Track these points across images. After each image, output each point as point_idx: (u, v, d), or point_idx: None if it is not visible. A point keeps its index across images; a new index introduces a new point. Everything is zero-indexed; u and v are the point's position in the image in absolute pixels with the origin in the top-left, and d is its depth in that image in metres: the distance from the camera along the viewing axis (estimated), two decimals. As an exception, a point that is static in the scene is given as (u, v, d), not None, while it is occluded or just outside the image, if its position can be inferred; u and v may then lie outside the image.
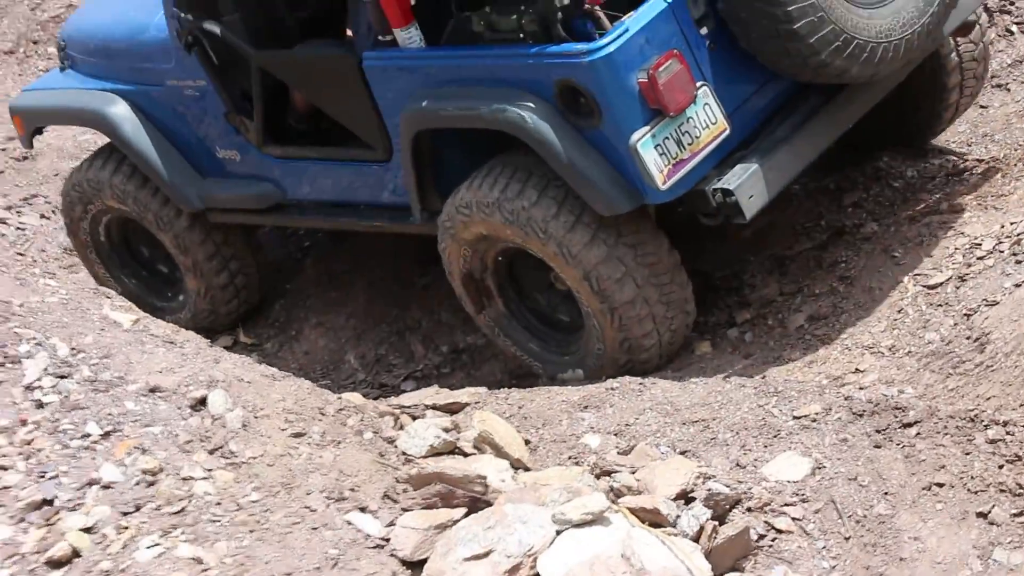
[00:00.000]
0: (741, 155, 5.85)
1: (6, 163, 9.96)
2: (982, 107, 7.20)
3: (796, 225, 6.81)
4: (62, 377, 5.47)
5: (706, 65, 5.75)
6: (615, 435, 5.45)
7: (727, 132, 5.77)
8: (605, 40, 5.54)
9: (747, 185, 5.72)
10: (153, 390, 5.40)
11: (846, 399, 5.43)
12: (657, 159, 5.60)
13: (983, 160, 6.84)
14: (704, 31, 5.76)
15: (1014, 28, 7.58)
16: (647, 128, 5.59)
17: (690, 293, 6.12)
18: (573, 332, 6.28)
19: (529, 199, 5.88)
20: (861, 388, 5.60)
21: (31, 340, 5.63)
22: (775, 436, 5.29)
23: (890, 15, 5.76)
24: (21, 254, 8.12)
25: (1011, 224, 6.13)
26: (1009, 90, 7.22)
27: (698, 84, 5.67)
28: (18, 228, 8.92)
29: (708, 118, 5.70)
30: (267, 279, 7.92)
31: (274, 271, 8.01)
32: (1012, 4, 7.62)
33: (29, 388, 5.45)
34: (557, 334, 6.39)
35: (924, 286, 6.06)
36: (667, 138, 5.62)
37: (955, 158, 6.94)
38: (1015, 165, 6.70)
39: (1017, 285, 5.72)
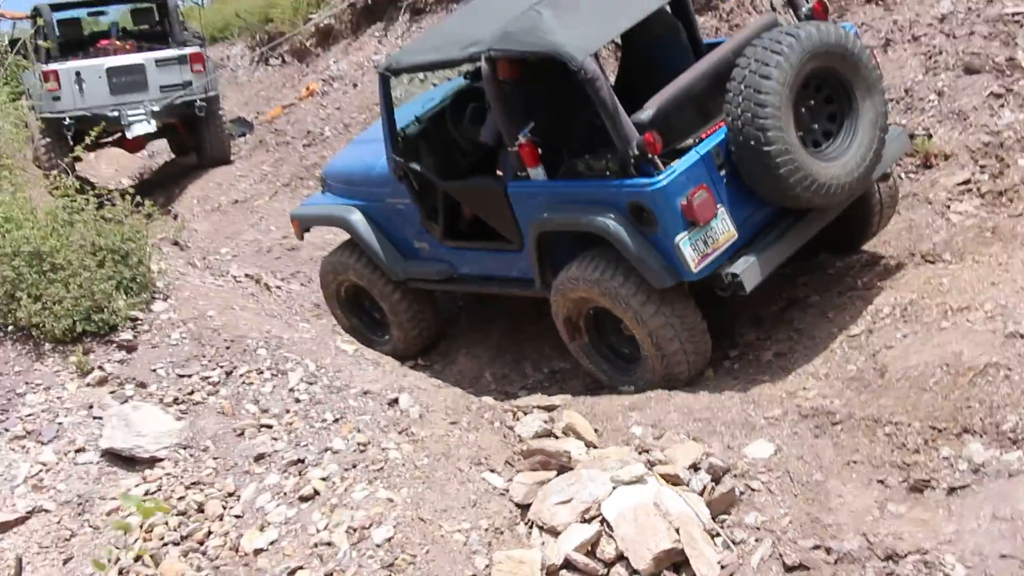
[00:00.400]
0: (744, 251, 5.77)
1: (282, 252, 10.07)
2: (885, 224, 7.10)
3: (768, 295, 6.69)
4: (311, 383, 5.50)
5: (724, 194, 5.67)
6: (652, 427, 5.38)
7: (736, 237, 5.70)
8: (661, 177, 5.50)
9: (748, 271, 5.66)
10: (366, 392, 5.40)
11: (797, 407, 5.37)
12: (692, 252, 5.55)
13: (884, 256, 6.72)
14: (723, 173, 5.69)
15: (902, 175, 7.45)
16: (686, 232, 5.53)
17: (709, 346, 6.04)
18: (632, 361, 6.18)
19: (618, 281, 5.82)
20: (807, 400, 5.47)
21: (294, 360, 5.66)
22: (752, 429, 5.22)
23: (840, 166, 5.71)
24: (289, 308, 8.20)
25: (901, 297, 6.01)
26: (899, 213, 7.09)
27: (718, 206, 5.62)
28: (287, 292, 9.00)
29: (724, 228, 5.64)
30: (441, 331, 7.86)
31: (445, 326, 7.93)
32: (901, 160, 7.46)
33: (291, 390, 5.49)
34: (620, 361, 6.28)
35: (847, 335, 5.93)
36: (698, 240, 5.57)
37: (867, 255, 6.82)
38: (903, 260, 6.59)
39: (905, 336, 5.62)
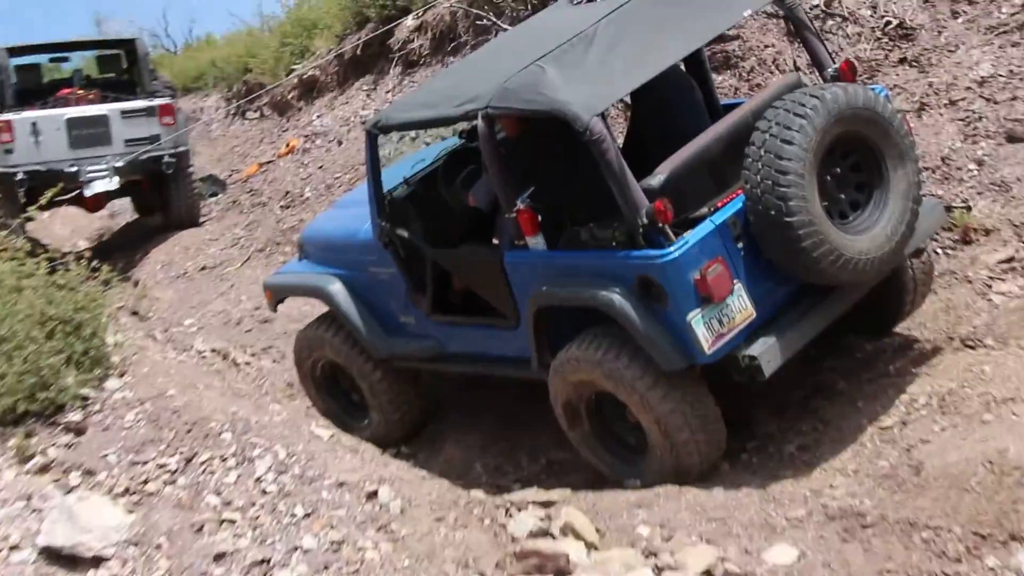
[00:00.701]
0: (763, 332, 5.76)
1: (253, 324, 10.07)
2: (919, 304, 7.11)
3: (790, 381, 6.68)
4: (280, 473, 5.47)
5: (741, 268, 5.68)
6: (660, 527, 5.33)
7: (754, 316, 5.70)
8: (672, 249, 5.51)
9: (767, 353, 5.65)
10: (341, 484, 5.36)
11: (823, 506, 5.32)
12: (705, 332, 5.54)
13: (919, 340, 6.73)
14: (740, 245, 5.70)
15: (939, 251, 7.50)
16: (699, 310, 5.53)
17: (724, 436, 5.99)
18: (638, 452, 6.13)
19: (623, 362, 5.80)
20: (834, 499, 5.42)
21: (262, 446, 5.63)
22: (772, 531, 5.17)
23: (868, 239, 5.73)
24: (259, 387, 8.17)
25: (938, 386, 5.99)
26: (936, 292, 7.13)
27: (735, 281, 5.63)
28: (257, 369, 8.98)
29: (741, 305, 5.65)
30: (426, 415, 7.82)
31: (432, 410, 7.88)
32: (938, 234, 7.51)
33: (258, 480, 5.46)
34: (625, 452, 6.24)
35: (878, 427, 5.91)
36: (713, 318, 5.57)
37: (900, 338, 6.83)
38: (941, 345, 6.58)
39: (943, 429, 5.58)
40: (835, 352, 6.78)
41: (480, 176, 6.80)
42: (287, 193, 13.97)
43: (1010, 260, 7.17)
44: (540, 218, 6.08)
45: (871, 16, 9.52)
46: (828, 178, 5.73)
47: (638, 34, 6.00)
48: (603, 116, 5.73)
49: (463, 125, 7.12)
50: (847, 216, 5.81)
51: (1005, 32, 8.70)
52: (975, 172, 7.87)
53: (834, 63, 6.31)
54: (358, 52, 14.92)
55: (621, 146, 6.80)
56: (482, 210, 6.79)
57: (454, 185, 7.15)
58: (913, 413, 5.87)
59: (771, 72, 9.47)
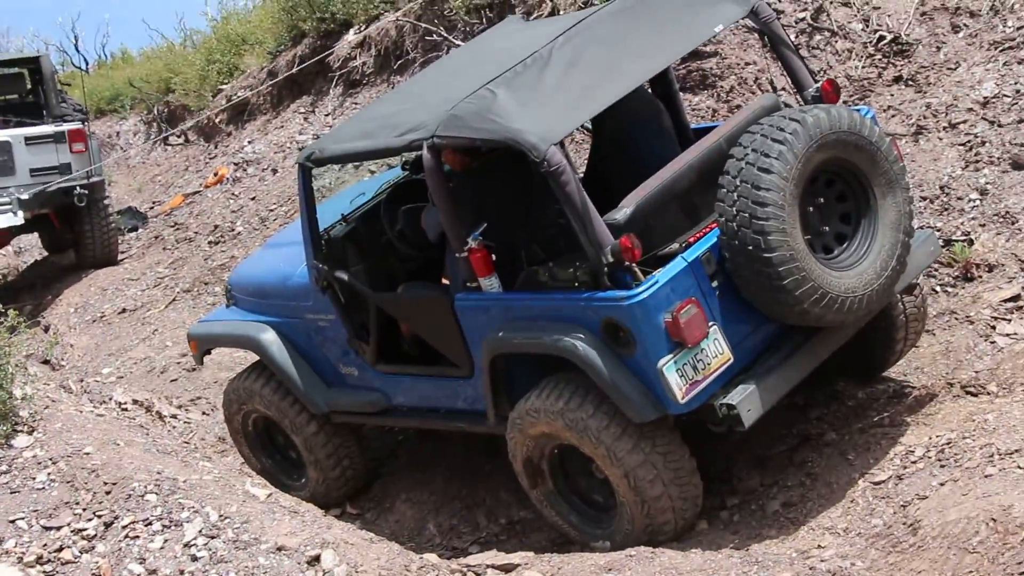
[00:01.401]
0: (742, 378, 5.83)
1: (179, 372, 10.08)
2: (915, 346, 7.22)
3: (773, 432, 6.79)
4: (212, 537, 5.48)
5: (716, 309, 5.76)
6: (632, 593, 5.39)
7: (731, 361, 5.77)
8: (640, 289, 5.57)
9: (746, 402, 5.69)
10: (280, 549, 5.38)
11: (811, 569, 5.38)
12: (678, 380, 5.60)
13: (915, 387, 6.85)
14: (715, 283, 5.78)
15: (937, 289, 7.63)
16: (671, 356, 5.59)
17: (700, 490, 6.05)
18: (606, 511, 6.19)
19: (587, 412, 5.85)
20: (822, 560, 5.50)
21: (191, 508, 5.65)
22: (755, 596, 5.23)
23: (855, 276, 5.82)
24: (187, 442, 8.19)
25: (937, 436, 6.11)
26: (934, 334, 7.25)
27: (710, 323, 5.70)
28: (185, 422, 8.99)
29: (717, 350, 5.72)
30: (370, 471, 7.88)
31: (376, 465, 7.96)
32: (936, 270, 7.68)
33: (187, 545, 5.47)
34: (592, 511, 6.30)
35: (871, 482, 6.00)
36: (686, 364, 5.63)
37: (894, 384, 6.95)
38: (939, 391, 6.70)
39: (942, 484, 5.67)
40: (823, 399, 6.89)
41: (425, 213, 6.87)
42: (216, 227, 13.98)
43: (1016, 299, 7.30)
44: (494, 257, 6.14)
45: (863, 31, 9.66)
46: (811, 209, 5.82)
47: (598, 54, 6.08)
48: (561, 145, 5.78)
49: (407, 155, 7.18)
50: (832, 251, 5.90)
51: (1011, 48, 8.87)
52: (977, 202, 8.00)
53: (816, 82, 6.38)
54: (294, 71, 14.97)
55: (582, 176, 6.91)
56: (431, 242, 6.84)
57: (398, 223, 7.17)
58: (909, 466, 5.97)
59: (752, 92, 9.60)
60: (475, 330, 6.31)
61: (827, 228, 5.91)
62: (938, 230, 7.95)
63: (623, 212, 5.77)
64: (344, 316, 7.08)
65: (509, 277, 6.19)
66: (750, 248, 5.57)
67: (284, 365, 7.44)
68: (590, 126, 7.11)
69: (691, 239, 5.87)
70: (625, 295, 5.59)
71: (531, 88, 5.91)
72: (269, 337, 7.52)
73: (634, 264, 5.59)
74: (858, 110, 6.12)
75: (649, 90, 6.94)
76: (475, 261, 6.09)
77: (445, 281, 6.68)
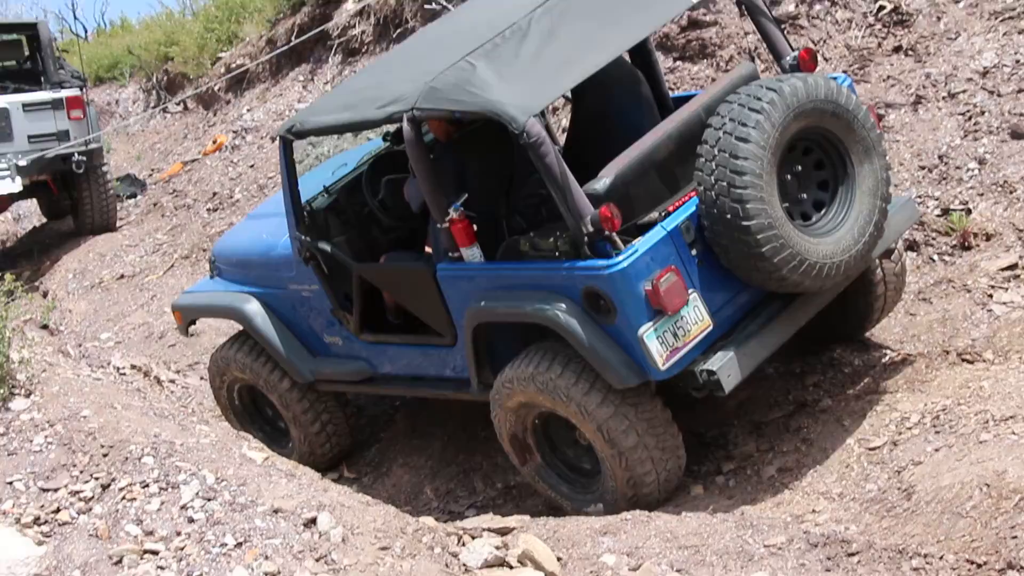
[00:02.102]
0: (722, 344, 5.88)
1: (177, 338, 10.10)
2: (911, 314, 7.27)
3: (770, 399, 6.82)
4: (208, 500, 5.48)
5: (696, 277, 5.80)
6: (627, 555, 5.41)
7: (711, 327, 5.83)
8: (620, 258, 5.61)
9: (726, 367, 5.75)
10: (276, 511, 5.39)
11: (805, 533, 5.39)
12: (658, 347, 5.66)
13: (912, 354, 6.87)
14: (694, 252, 5.82)
15: (935, 257, 7.65)
16: (651, 323, 5.64)
17: (680, 441, 6.09)
18: (594, 476, 6.24)
19: (555, 372, 5.92)
20: (816, 525, 5.55)
21: (188, 471, 5.66)
22: (750, 560, 5.25)
23: (833, 242, 5.86)
24: (184, 406, 8.21)
25: (932, 403, 6.14)
26: (931, 302, 7.28)
27: (690, 291, 5.74)
28: (183, 386, 9.02)
29: (697, 317, 5.77)
30: (355, 438, 7.93)
31: (359, 421, 7.99)
32: (934, 239, 7.70)
33: (184, 507, 5.47)
34: (581, 478, 6.35)
35: (866, 448, 6.04)
36: (666, 331, 5.68)
37: (891, 352, 6.97)
38: (935, 358, 6.72)
39: (937, 449, 5.71)
40: (820, 366, 6.92)
41: (407, 184, 6.90)
42: (214, 194, 13.99)
43: (1013, 267, 7.34)
44: (475, 227, 6.19)
45: (863, 0, 9.66)
46: (788, 177, 5.88)
47: (577, 25, 6.09)
48: (541, 116, 5.81)
49: (389, 127, 7.19)
50: (810, 218, 5.96)
51: (1011, 18, 8.85)
52: (975, 171, 8.01)
53: (793, 51, 6.41)
54: (292, 39, 14.93)
55: (563, 146, 6.96)
56: (414, 212, 6.88)
57: (380, 193, 7.24)
58: (904, 432, 6.00)
59: (753, 60, 9.59)
60: (457, 300, 6.35)
61: (805, 195, 5.97)
62: (936, 199, 7.96)
63: (603, 182, 5.81)
64: (327, 287, 7.13)
65: (491, 247, 6.23)
66: (728, 216, 5.62)
67: (268, 335, 7.50)
68: (570, 95, 7.10)
69: (670, 208, 5.91)
70: (605, 264, 5.64)
71: (510, 60, 5.93)
72: (253, 308, 7.58)
73: (614, 234, 5.63)
74: (835, 78, 6.15)
75: (628, 60, 6.96)
76: (456, 232, 6.13)
77: (429, 250, 6.71)
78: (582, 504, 6.27)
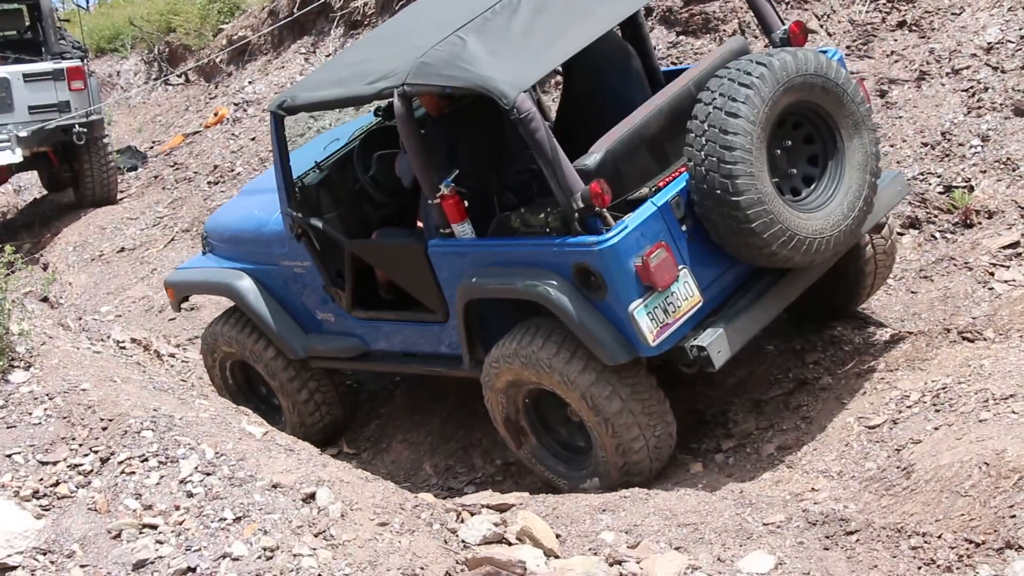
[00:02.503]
0: (712, 320, 5.92)
1: (178, 312, 10.10)
2: (912, 292, 7.28)
3: (770, 376, 6.83)
4: (208, 474, 5.49)
5: (686, 252, 5.83)
6: (626, 532, 5.43)
7: (701, 303, 5.85)
8: (611, 234, 5.64)
9: (716, 343, 5.78)
10: (275, 486, 5.40)
11: (803, 511, 5.41)
12: (649, 323, 5.68)
13: (912, 332, 6.86)
14: (684, 228, 5.84)
15: (937, 235, 7.64)
16: (641, 300, 5.67)
17: (668, 407, 6.11)
18: (587, 452, 6.27)
19: (536, 345, 5.96)
20: (815, 503, 5.56)
21: (187, 445, 5.67)
22: (748, 538, 5.26)
23: (823, 217, 5.89)
24: (184, 380, 8.21)
25: (932, 381, 6.14)
26: (932, 280, 7.28)
27: (680, 267, 5.77)
28: (183, 361, 9.02)
29: (687, 292, 5.80)
30: (348, 414, 7.97)
31: (358, 396, 8.01)
32: (936, 217, 7.69)
33: (183, 482, 5.48)
34: (576, 456, 6.38)
35: (866, 426, 6.04)
36: (656, 307, 5.71)
37: (892, 330, 6.97)
38: (936, 337, 6.71)
39: (936, 428, 5.71)
40: (820, 344, 6.93)
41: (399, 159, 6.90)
42: (215, 167, 13.97)
43: (1015, 245, 7.33)
44: (466, 203, 6.20)
45: (867, -25, 9.62)
46: (778, 152, 5.90)
47: (566, 1, 6.10)
48: (533, 90, 5.80)
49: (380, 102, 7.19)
50: (800, 193, 5.98)
51: (1016, -7, 8.84)
52: (978, 148, 8.00)
53: (783, 25, 6.41)
54: (295, 11, 14.91)
55: (554, 120, 7.02)
56: (406, 188, 6.88)
57: (372, 169, 7.25)
58: (904, 411, 6.00)
59: (756, 36, 9.57)
60: (449, 276, 6.38)
61: (795, 170, 6.00)
62: (939, 176, 7.95)
63: (593, 158, 5.82)
64: (319, 263, 7.15)
65: (482, 223, 6.25)
66: (718, 192, 5.65)
67: (260, 312, 7.52)
68: (561, 70, 7.09)
69: (661, 183, 5.94)
70: (596, 240, 5.66)
71: (501, 35, 5.94)
72: (245, 284, 7.61)
73: (604, 210, 5.65)
74: (825, 51, 6.17)
75: (619, 33, 6.96)
76: (447, 208, 6.14)
77: (419, 223, 6.73)
78: (578, 481, 6.29)
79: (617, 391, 5.90)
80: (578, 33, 6.00)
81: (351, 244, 6.95)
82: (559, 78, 8.02)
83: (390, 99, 6.19)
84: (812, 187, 6.00)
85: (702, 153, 5.67)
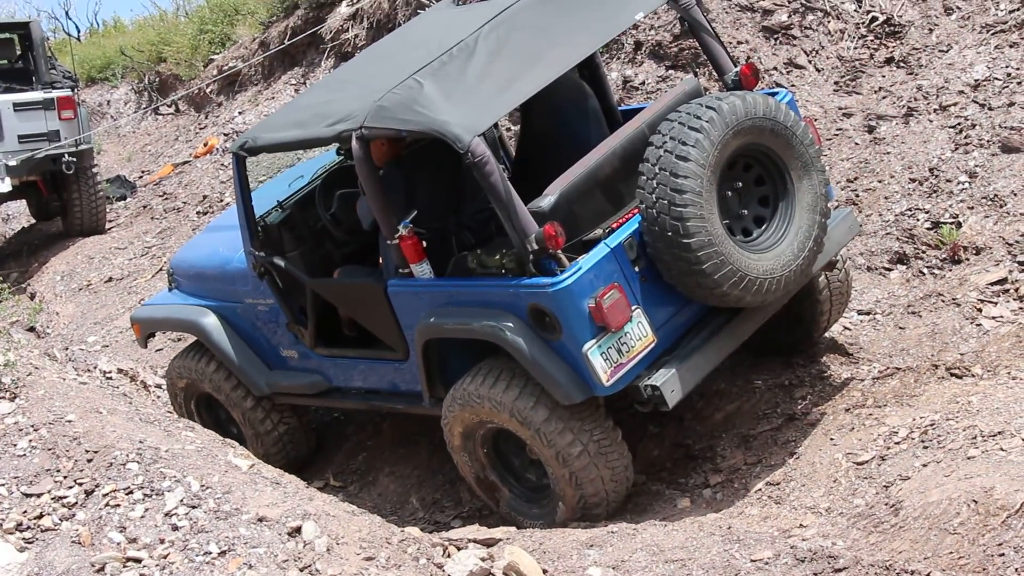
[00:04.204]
0: (666, 359, 5.97)
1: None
2: (900, 328, 7.29)
3: (758, 411, 6.83)
4: (193, 507, 5.47)
5: (639, 293, 5.89)
6: (613, 568, 5.40)
7: (655, 343, 5.91)
8: (564, 275, 5.68)
9: (669, 382, 5.84)
10: (261, 519, 5.38)
11: (792, 548, 5.38)
12: (603, 363, 5.73)
13: (900, 368, 6.86)
14: (637, 268, 5.90)
15: (925, 271, 7.67)
16: (595, 340, 5.71)
17: (630, 469, 6.21)
18: (548, 489, 6.34)
19: (490, 384, 6.05)
20: (803, 540, 5.53)
21: (172, 478, 5.65)
22: (736, 574, 5.23)
23: (773, 258, 5.96)
24: (170, 412, 8.19)
25: (921, 418, 6.12)
26: (920, 316, 7.29)
27: (633, 307, 5.82)
28: (169, 392, 8.98)
29: (641, 332, 5.85)
30: (313, 447, 8.06)
31: (316, 442, 8.13)
32: (924, 252, 7.71)
33: (168, 515, 5.46)
34: (542, 494, 6.42)
35: (854, 463, 6.03)
36: (610, 347, 5.75)
37: (880, 365, 6.97)
38: (924, 373, 6.71)
39: (925, 465, 5.69)
40: (808, 380, 6.93)
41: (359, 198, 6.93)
42: (204, 197, 13.97)
43: (1002, 282, 7.34)
44: (425, 244, 6.24)
45: (855, 11, 9.68)
46: (729, 193, 5.98)
47: (522, 42, 6.16)
48: (495, 127, 5.82)
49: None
50: (751, 233, 6.05)
51: (1003, 31, 8.90)
52: (966, 184, 8.03)
53: (735, 67, 6.50)
54: (285, 42, 14.96)
55: (514, 157, 7.13)
56: (365, 229, 6.90)
57: (333, 208, 7.31)
58: (892, 447, 5.99)
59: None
60: (408, 315, 6.43)
61: (746, 211, 6.07)
62: (927, 212, 7.98)
63: (547, 200, 5.89)
64: (282, 301, 7.21)
65: (441, 262, 6.31)
66: (669, 234, 5.71)
67: (225, 349, 7.59)
68: (519, 109, 7.14)
69: (614, 225, 6.00)
70: (549, 282, 5.71)
71: (456, 78, 5.99)
72: (210, 321, 7.67)
73: (558, 251, 5.70)
74: (774, 94, 6.31)
75: (577, 74, 7.01)
76: (406, 248, 6.19)
77: (380, 260, 6.72)
78: (551, 518, 6.31)
79: (571, 429, 5.96)
80: (534, 76, 6.05)
81: (312, 283, 7.02)
82: (517, 114, 8.07)
83: (348, 142, 6.22)
84: (763, 228, 6.08)
85: (653, 196, 5.74)
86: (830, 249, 6.40)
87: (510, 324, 5.86)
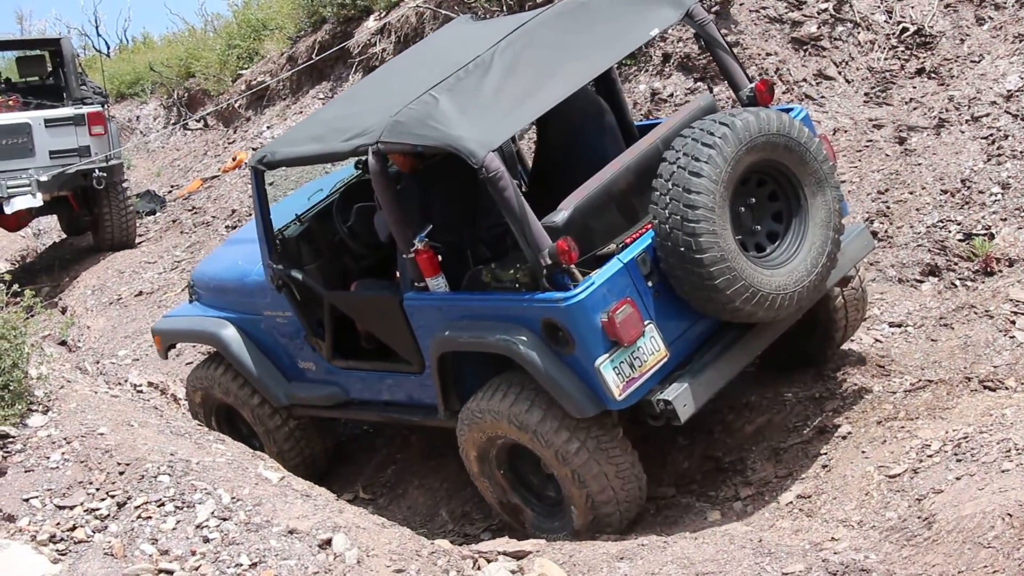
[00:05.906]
0: (678, 374, 5.99)
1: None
2: (932, 340, 7.27)
3: (789, 424, 6.82)
4: (224, 519, 5.50)
5: (652, 308, 5.92)
6: (643, 582, 5.41)
7: (667, 357, 5.94)
8: (577, 290, 5.72)
9: (681, 397, 5.86)
10: (291, 532, 5.41)
11: (823, 561, 5.38)
12: (615, 377, 5.76)
13: (933, 381, 6.83)
14: (650, 283, 5.94)
15: (957, 283, 7.66)
16: (607, 354, 5.75)
17: (644, 483, 6.22)
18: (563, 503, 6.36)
19: (527, 408, 6.04)
20: (835, 553, 5.52)
21: (203, 490, 5.68)
22: (767, 587, 5.24)
23: (786, 274, 5.99)
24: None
25: (953, 430, 6.11)
26: (953, 328, 7.27)
27: (646, 322, 5.85)
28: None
29: (653, 347, 5.88)
30: (331, 459, 8.15)
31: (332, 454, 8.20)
32: (956, 264, 7.69)
33: (199, 527, 5.49)
34: (560, 508, 6.42)
35: (886, 476, 6.02)
36: (623, 362, 5.79)
37: (912, 378, 6.94)
38: (956, 385, 6.69)
39: (958, 478, 5.68)
40: (840, 392, 6.91)
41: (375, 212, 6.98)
42: (233, 211, 14.04)
43: (1036, 294, 7.29)
44: (440, 258, 6.30)
45: (886, 22, 9.67)
46: (742, 209, 6.00)
47: (538, 58, 6.21)
48: (512, 141, 5.85)
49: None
50: (764, 249, 6.07)
51: (1035, 42, 8.88)
52: (999, 196, 8.01)
53: (750, 83, 6.52)
54: (313, 56, 15.02)
55: (531, 169, 7.19)
56: (382, 243, 6.96)
57: (351, 221, 7.36)
58: (925, 460, 5.97)
59: (773, 83, 9.60)
60: (424, 328, 6.48)
61: (759, 227, 6.09)
62: (959, 224, 7.96)
63: (561, 215, 5.94)
64: (300, 314, 7.28)
65: (456, 276, 6.36)
66: (682, 249, 5.74)
67: (244, 361, 7.67)
68: (535, 123, 7.21)
69: (628, 240, 6.04)
70: (563, 296, 5.75)
71: (472, 94, 6.04)
72: (229, 333, 7.75)
73: (572, 266, 5.74)
74: (789, 110, 6.30)
75: (593, 89, 7.06)
76: (422, 262, 6.24)
77: (398, 274, 6.79)
78: (570, 528, 6.31)
79: (585, 444, 5.99)
80: (549, 92, 6.10)
81: (329, 295, 7.08)
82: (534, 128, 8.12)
83: (364, 156, 6.30)
84: (776, 244, 6.10)
85: (666, 211, 5.77)
86: (844, 265, 6.42)
87: (523, 338, 5.91)
